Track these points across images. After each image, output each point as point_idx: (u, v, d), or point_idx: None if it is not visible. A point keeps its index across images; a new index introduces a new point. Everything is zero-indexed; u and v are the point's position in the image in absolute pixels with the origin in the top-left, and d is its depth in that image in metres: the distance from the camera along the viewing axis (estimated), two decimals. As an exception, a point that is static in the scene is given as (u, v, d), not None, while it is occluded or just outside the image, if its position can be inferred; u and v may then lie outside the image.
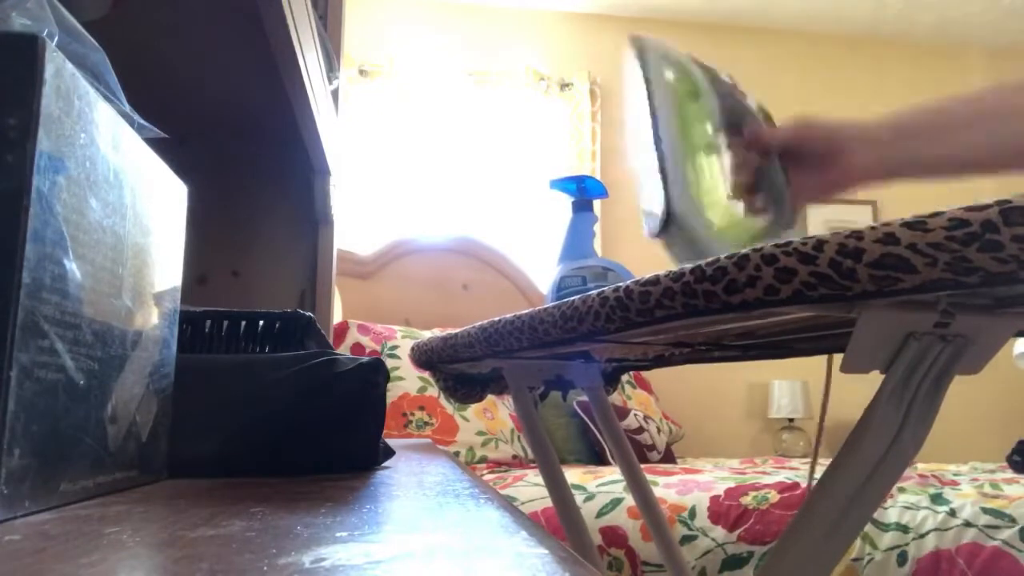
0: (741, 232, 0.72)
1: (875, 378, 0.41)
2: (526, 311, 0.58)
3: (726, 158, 0.74)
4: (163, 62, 0.87)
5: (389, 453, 0.56)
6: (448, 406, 2.36)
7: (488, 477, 2.07)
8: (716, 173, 0.72)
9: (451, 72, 3.37)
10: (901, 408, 0.40)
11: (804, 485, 1.68)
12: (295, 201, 1.19)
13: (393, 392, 2.32)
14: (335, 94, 1.20)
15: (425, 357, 0.85)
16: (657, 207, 0.68)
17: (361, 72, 3.27)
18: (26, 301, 0.28)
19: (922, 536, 1.45)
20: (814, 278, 0.34)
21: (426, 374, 1.81)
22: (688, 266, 0.39)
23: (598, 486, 1.79)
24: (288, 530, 0.26)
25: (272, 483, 0.44)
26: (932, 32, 3.78)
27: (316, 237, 1.20)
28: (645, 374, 3.04)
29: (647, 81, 0.70)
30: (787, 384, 3.35)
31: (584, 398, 2.45)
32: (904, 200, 3.73)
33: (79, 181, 0.32)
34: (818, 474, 0.46)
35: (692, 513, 1.64)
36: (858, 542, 1.49)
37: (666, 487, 1.75)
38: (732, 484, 1.71)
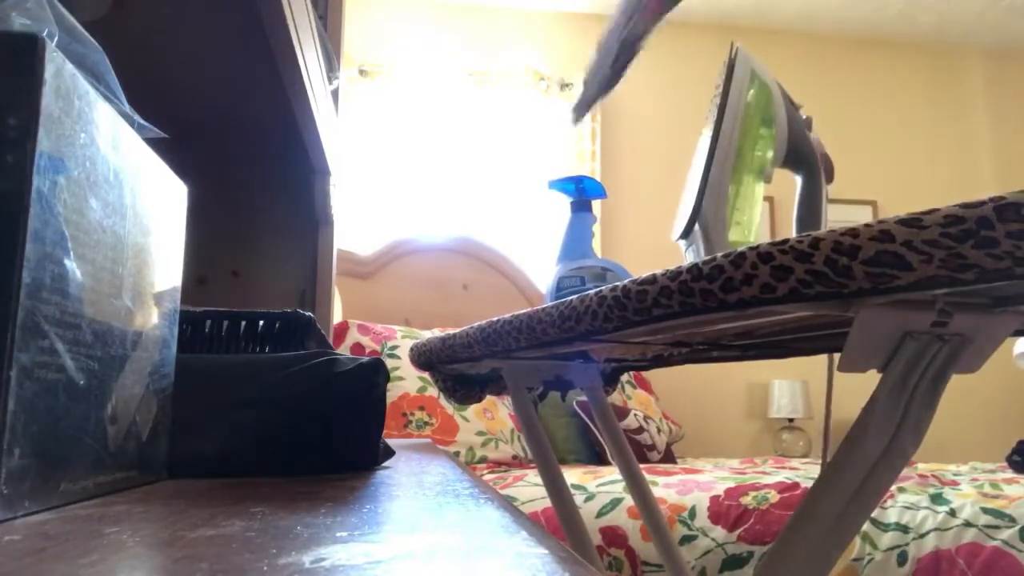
0: None
1: (874, 377, 0.41)
2: (524, 311, 0.58)
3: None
4: (163, 62, 0.87)
5: (389, 453, 0.56)
6: (448, 406, 2.36)
7: (488, 477, 2.07)
8: (757, 197, 0.73)
9: (451, 72, 3.37)
10: (899, 407, 0.40)
11: (804, 485, 1.68)
12: (295, 201, 1.19)
13: (393, 392, 2.32)
14: (335, 94, 1.20)
15: (424, 357, 0.85)
16: (687, 210, 0.69)
17: (361, 72, 3.28)
18: (26, 301, 0.28)
19: (922, 536, 1.45)
20: (810, 276, 0.34)
21: (426, 374, 1.81)
22: (685, 265, 0.39)
23: (598, 486, 1.79)
24: (288, 530, 0.26)
25: (272, 483, 0.44)
26: (932, 32, 3.78)
27: (316, 237, 1.21)
28: (645, 374, 3.04)
29: (726, 90, 0.71)
30: (787, 384, 3.35)
31: (584, 398, 2.45)
32: (904, 199, 3.73)
33: (79, 181, 0.32)
34: (816, 474, 0.46)
35: (692, 513, 1.64)
36: (858, 542, 1.49)
37: (666, 487, 1.76)
38: (732, 484, 1.71)
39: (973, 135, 3.84)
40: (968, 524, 1.44)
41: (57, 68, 0.30)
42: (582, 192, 0.87)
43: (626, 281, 0.44)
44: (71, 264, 0.31)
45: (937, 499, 1.53)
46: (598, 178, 3.36)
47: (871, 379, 0.40)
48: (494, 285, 3.07)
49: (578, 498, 1.74)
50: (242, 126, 1.07)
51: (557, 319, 0.52)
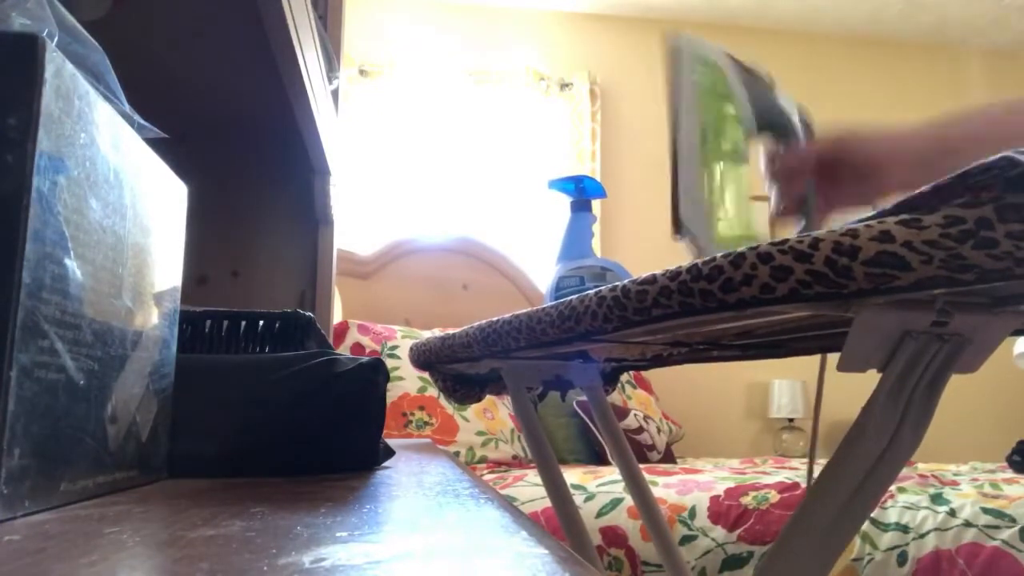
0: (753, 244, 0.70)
1: (873, 377, 0.41)
2: (524, 311, 0.58)
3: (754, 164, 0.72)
4: (163, 62, 0.87)
5: (389, 453, 0.56)
6: (448, 406, 2.36)
7: (488, 477, 2.07)
8: (738, 180, 0.70)
9: (451, 72, 3.37)
10: (898, 407, 0.40)
11: (804, 485, 1.68)
12: (295, 201, 1.19)
13: (393, 392, 2.32)
14: (335, 94, 1.20)
15: (423, 357, 0.85)
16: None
17: (361, 72, 3.28)
18: (26, 301, 0.28)
19: (922, 536, 1.45)
20: (809, 276, 0.34)
21: (425, 374, 1.82)
22: (684, 265, 0.39)
23: (598, 486, 1.79)
24: (288, 530, 0.26)
25: (272, 483, 0.44)
26: (932, 32, 3.78)
27: (316, 237, 1.21)
28: (645, 374, 3.04)
29: (674, 84, 0.68)
30: (787, 384, 3.35)
31: (583, 398, 2.45)
32: (904, 200, 3.73)
33: (79, 181, 0.32)
34: (816, 474, 0.46)
35: (692, 513, 1.64)
36: (858, 542, 1.49)
37: (666, 487, 1.76)
38: (732, 484, 1.71)
39: (973, 135, 3.83)
40: (968, 524, 1.44)
41: (57, 68, 0.30)
42: (582, 192, 0.87)
43: (626, 281, 0.44)
44: (71, 264, 0.31)
45: (937, 499, 1.53)
46: (598, 178, 3.36)
47: (871, 379, 0.40)
48: (494, 285, 3.07)
49: (578, 498, 1.74)
50: (242, 126, 1.07)
51: (557, 319, 0.52)
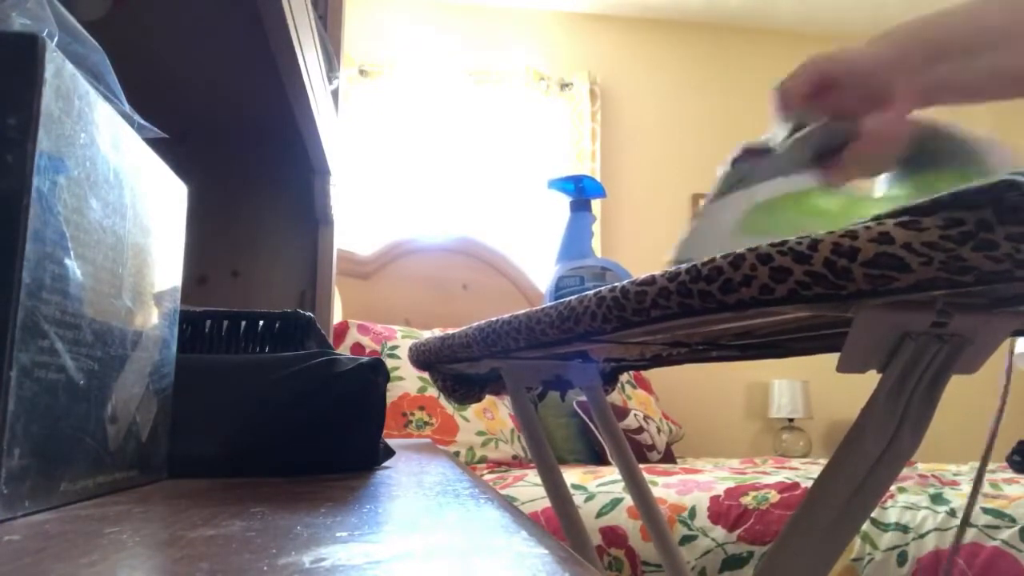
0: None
1: (873, 376, 0.41)
2: (524, 311, 0.58)
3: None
4: (163, 62, 0.87)
5: (389, 453, 0.56)
6: (448, 406, 2.36)
7: (488, 477, 2.07)
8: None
9: (451, 72, 3.37)
10: (898, 408, 0.40)
11: (804, 485, 1.68)
12: (295, 201, 1.20)
13: (393, 392, 2.32)
14: (335, 94, 1.20)
15: (423, 357, 0.85)
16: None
17: (361, 72, 3.28)
18: (26, 301, 0.28)
19: (922, 536, 1.45)
20: (809, 277, 0.34)
21: (425, 374, 1.82)
22: (684, 266, 0.40)
23: (598, 486, 1.79)
24: (288, 530, 0.26)
25: (272, 483, 0.44)
26: (932, 32, 3.78)
27: (316, 237, 1.21)
28: (645, 374, 3.04)
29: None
30: (787, 384, 3.35)
31: (583, 398, 2.45)
32: (904, 200, 3.73)
33: (79, 181, 0.32)
34: (816, 474, 0.46)
35: (692, 513, 1.64)
36: (858, 542, 1.49)
37: (666, 487, 1.76)
38: (732, 484, 1.71)
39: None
40: (968, 524, 1.44)
41: (57, 68, 0.30)
42: (582, 192, 0.87)
43: (625, 282, 0.44)
44: (71, 264, 0.31)
45: (937, 499, 1.53)
46: (598, 178, 3.36)
47: (871, 379, 0.40)
48: (494, 285, 3.07)
49: (578, 498, 1.74)
50: (242, 126, 1.07)
51: (556, 319, 0.52)
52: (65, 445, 0.31)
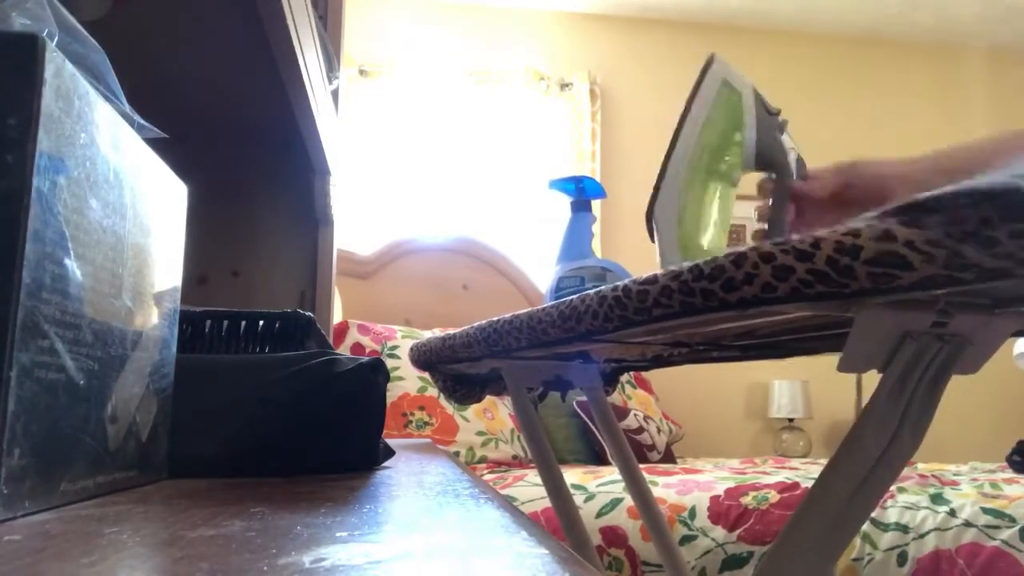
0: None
1: (873, 376, 0.41)
2: (524, 311, 0.58)
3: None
4: (163, 62, 0.87)
5: (389, 453, 0.56)
6: (448, 406, 2.36)
7: (488, 477, 2.07)
8: (724, 201, 0.74)
9: (451, 72, 3.37)
10: (899, 407, 0.40)
11: (804, 485, 1.68)
12: (295, 201, 1.19)
13: (393, 392, 2.32)
14: (335, 94, 1.20)
15: (424, 357, 0.85)
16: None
17: (361, 72, 3.28)
18: (26, 301, 0.28)
19: (922, 536, 1.45)
20: (811, 275, 0.34)
21: (425, 374, 1.81)
22: (686, 265, 0.39)
23: (598, 486, 1.79)
24: (288, 530, 0.26)
25: (272, 483, 0.44)
26: (932, 32, 3.78)
27: (316, 237, 1.21)
28: (645, 374, 3.04)
29: (694, 94, 0.72)
30: (787, 384, 3.35)
31: (584, 398, 2.45)
32: (904, 200, 3.73)
33: (79, 181, 0.32)
34: (816, 474, 0.46)
35: (692, 513, 1.64)
36: (858, 542, 1.49)
37: (666, 487, 1.76)
38: (732, 484, 1.71)
39: (973, 135, 3.83)
40: (968, 524, 1.44)
41: (57, 68, 0.30)
42: (582, 192, 0.87)
43: (627, 281, 0.44)
44: (71, 264, 0.31)
45: (937, 499, 1.53)
46: (598, 178, 3.36)
47: (871, 379, 0.40)
48: (494, 285, 3.07)
49: (578, 498, 1.74)
50: (242, 126, 1.07)
51: (557, 319, 0.52)
52: (65, 445, 0.31)
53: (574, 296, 0.50)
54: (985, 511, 1.45)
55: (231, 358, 0.57)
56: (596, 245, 3.22)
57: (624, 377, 2.84)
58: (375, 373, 0.53)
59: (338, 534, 0.26)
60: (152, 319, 0.42)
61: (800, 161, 0.79)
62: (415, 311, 2.95)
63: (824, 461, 2.48)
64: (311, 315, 0.66)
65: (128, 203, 0.38)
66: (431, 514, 0.31)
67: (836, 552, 0.42)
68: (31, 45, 0.29)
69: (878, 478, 0.41)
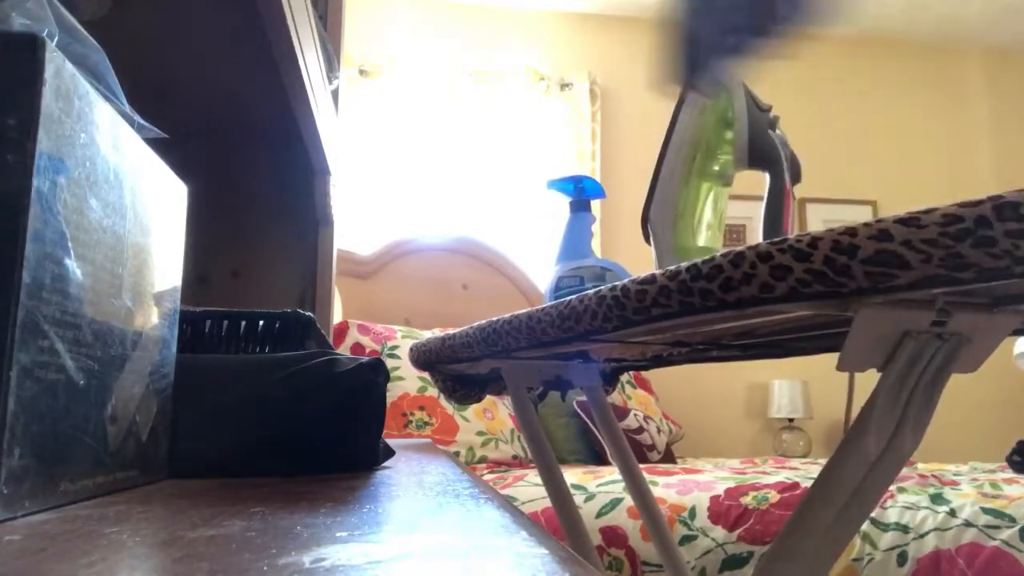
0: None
1: (873, 376, 0.41)
2: (524, 311, 0.58)
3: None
4: (163, 62, 0.87)
5: (389, 453, 0.56)
6: (448, 406, 2.36)
7: (488, 477, 2.07)
8: (717, 201, 0.75)
9: (451, 72, 3.37)
10: (898, 407, 0.40)
11: (804, 485, 1.68)
12: (295, 201, 1.19)
13: (393, 392, 2.32)
14: (335, 94, 1.20)
15: (424, 358, 0.85)
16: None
17: (361, 72, 3.28)
18: (26, 301, 0.28)
19: (922, 536, 1.45)
20: (809, 275, 0.34)
21: (425, 374, 1.81)
22: (684, 264, 0.40)
23: (598, 486, 1.79)
24: (288, 530, 0.26)
25: (272, 483, 0.44)
26: (932, 32, 3.78)
27: (316, 237, 1.21)
28: (645, 374, 3.04)
29: (682, 98, 0.72)
30: (787, 384, 3.35)
31: (583, 398, 2.45)
32: (904, 199, 3.73)
33: (79, 181, 0.32)
34: (816, 474, 0.46)
35: (692, 513, 1.64)
36: (858, 542, 1.49)
37: (666, 487, 1.75)
38: (732, 484, 1.71)
39: (973, 134, 3.84)
40: (968, 524, 1.44)
41: (57, 68, 0.30)
42: (581, 192, 0.87)
43: (625, 281, 0.44)
44: (71, 264, 0.31)
45: (937, 499, 1.53)
46: (598, 178, 3.36)
47: (871, 378, 0.40)
48: (494, 285, 3.07)
49: (578, 498, 1.74)
50: (242, 126, 1.07)
51: (557, 319, 0.52)
52: (65, 445, 0.31)
53: (573, 296, 0.50)
54: (985, 511, 1.45)
55: (231, 358, 0.57)
56: (596, 245, 3.22)
57: (624, 377, 2.84)
58: (375, 373, 0.53)
59: (338, 534, 0.26)
60: (152, 319, 0.42)
61: (794, 159, 0.78)
62: (415, 311, 2.95)
63: (824, 461, 2.48)
64: (311, 315, 0.66)
65: (128, 203, 0.38)
66: (431, 514, 0.31)
67: (836, 552, 0.42)
68: (31, 45, 0.29)
69: (878, 478, 0.41)
